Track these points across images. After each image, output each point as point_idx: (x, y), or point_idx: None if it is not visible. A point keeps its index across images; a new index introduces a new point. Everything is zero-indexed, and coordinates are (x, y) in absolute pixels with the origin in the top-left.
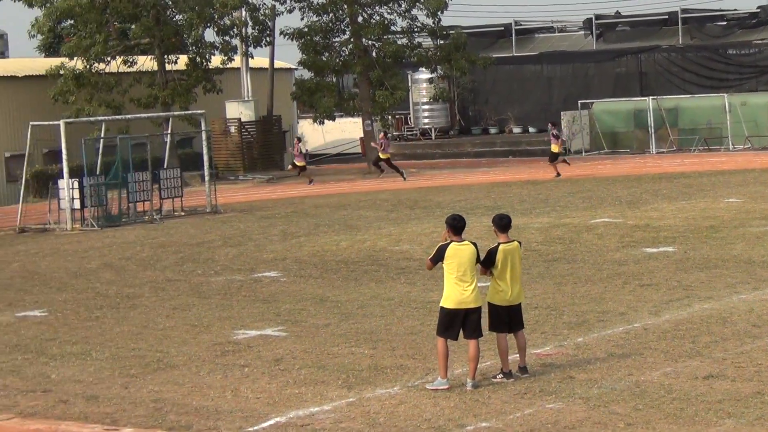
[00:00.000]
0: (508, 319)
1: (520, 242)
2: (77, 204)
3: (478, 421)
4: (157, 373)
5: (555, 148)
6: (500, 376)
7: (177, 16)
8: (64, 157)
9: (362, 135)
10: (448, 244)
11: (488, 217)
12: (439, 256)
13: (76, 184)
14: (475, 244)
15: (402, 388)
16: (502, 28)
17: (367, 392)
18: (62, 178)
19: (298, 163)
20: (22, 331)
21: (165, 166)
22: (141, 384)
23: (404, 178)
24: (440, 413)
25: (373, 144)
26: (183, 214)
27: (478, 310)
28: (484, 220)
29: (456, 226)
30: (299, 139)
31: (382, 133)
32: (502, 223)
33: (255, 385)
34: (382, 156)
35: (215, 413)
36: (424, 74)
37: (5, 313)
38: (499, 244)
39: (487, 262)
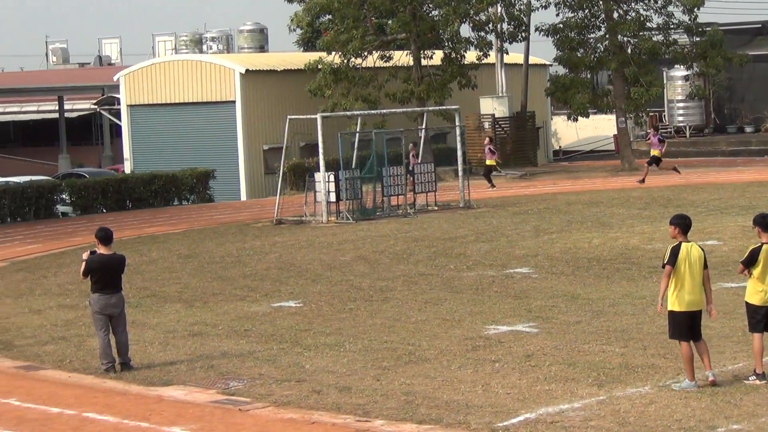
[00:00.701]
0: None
1: None
2: (333, 197)
3: (729, 424)
4: (409, 366)
5: None
6: (753, 378)
7: (433, 12)
8: (320, 150)
9: (616, 132)
10: (680, 244)
11: (743, 217)
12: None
13: (332, 177)
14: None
15: (653, 388)
16: (760, 26)
17: (617, 391)
18: (318, 171)
19: (488, 162)
20: (278, 321)
21: (419, 161)
22: (392, 376)
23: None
24: (691, 414)
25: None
26: (436, 208)
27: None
28: (738, 219)
29: (686, 224)
30: (491, 139)
31: (652, 130)
32: (765, 222)
33: (505, 381)
34: (654, 153)
35: (465, 407)
36: (679, 71)
37: (262, 303)
38: (762, 244)
39: (748, 261)
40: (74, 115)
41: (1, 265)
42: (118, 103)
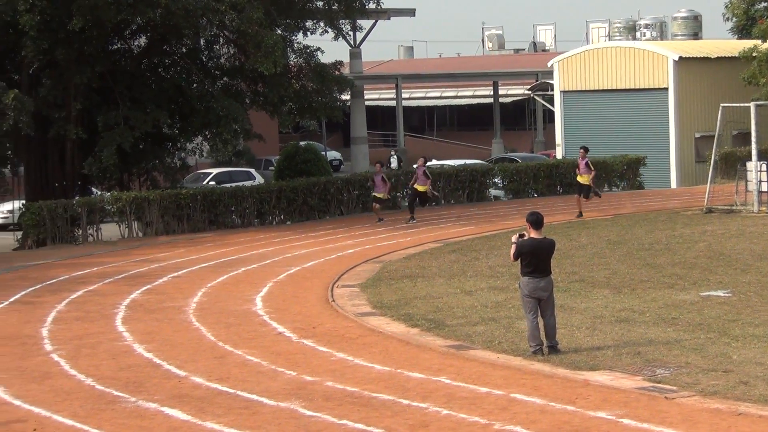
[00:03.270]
0: None
1: None
2: (765, 186)
3: None
4: None
5: None
6: None
7: None
8: (753, 139)
9: None
10: None
11: None
12: None
13: (764, 167)
14: None
15: None
16: None
17: None
18: (750, 160)
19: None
20: (706, 311)
21: None
22: None
23: None
24: None
25: None
26: None
27: None
28: None
29: None
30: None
31: (581, 151)
32: None
33: None
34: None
35: None
36: None
37: (690, 292)
38: None
39: None
40: (508, 100)
41: (435, 245)
42: (552, 89)
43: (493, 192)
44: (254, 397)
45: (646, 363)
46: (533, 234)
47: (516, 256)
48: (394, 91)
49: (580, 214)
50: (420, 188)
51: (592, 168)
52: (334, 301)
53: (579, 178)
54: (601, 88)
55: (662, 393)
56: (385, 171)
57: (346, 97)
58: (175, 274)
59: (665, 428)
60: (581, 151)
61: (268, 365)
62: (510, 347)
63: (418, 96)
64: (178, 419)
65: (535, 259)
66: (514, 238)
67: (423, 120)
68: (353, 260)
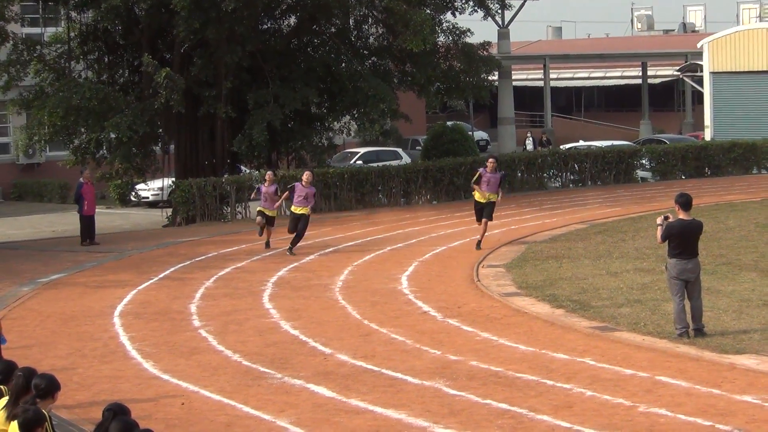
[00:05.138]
0: None
1: None
2: None
3: None
4: None
5: None
6: None
7: None
8: None
9: None
10: None
11: None
12: None
13: None
14: None
15: None
16: None
17: None
18: None
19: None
20: None
21: None
22: None
23: None
24: None
25: None
26: None
27: None
28: None
29: None
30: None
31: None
32: None
33: None
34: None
35: None
36: None
37: None
38: None
39: None
40: (657, 81)
41: (582, 227)
42: (701, 70)
43: (640, 173)
44: (399, 375)
45: None
46: (682, 215)
47: (664, 238)
48: (542, 71)
49: None
50: (297, 210)
51: None
52: (479, 281)
53: None
54: (751, 70)
55: None
56: (277, 181)
57: (493, 77)
58: (322, 252)
59: None
60: None
61: (412, 344)
62: (655, 329)
63: (565, 77)
64: (323, 396)
65: (684, 240)
66: (659, 220)
67: (570, 100)
68: (499, 240)
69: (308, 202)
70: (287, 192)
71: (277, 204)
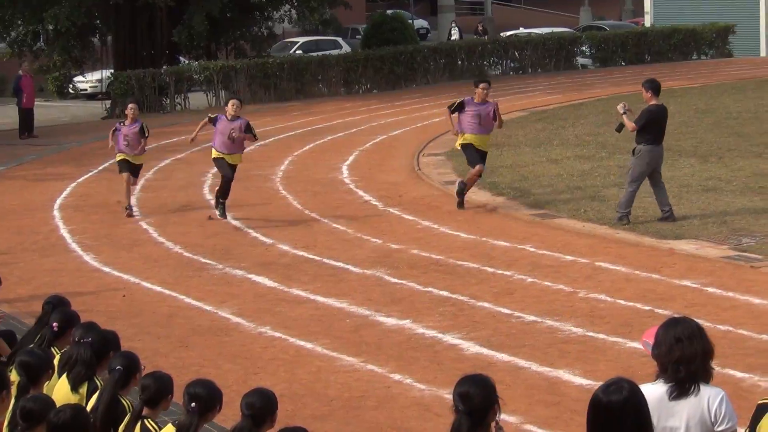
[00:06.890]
0: None
1: None
2: None
3: None
4: None
5: None
6: None
7: None
8: None
9: None
10: None
11: None
12: None
13: None
14: None
15: None
16: None
17: None
18: None
19: None
20: None
21: None
22: None
23: None
24: None
25: None
26: None
27: None
28: None
29: None
30: None
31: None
32: None
33: None
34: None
35: None
36: None
37: None
38: None
39: None
40: None
41: (521, 114)
42: None
43: (580, 60)
44: (340, 264)
45: (732, 232)
46: (654, 101)
47: (643, 124)
48: None
49: None
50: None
51: None
52: (420, 169)
53: None
54: None
55: (748, 262)
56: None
57: None
58: (263, 142)
59: (750, 297)
60: None
61: (353, 233)
62: (595, 216)
63: None
64: (265, 286)
65: (659, 126)
66: (620, 108)
67: None
68: (439, 129)
69: (237, 146)
70: (206, 120)
71: (142, 147)
